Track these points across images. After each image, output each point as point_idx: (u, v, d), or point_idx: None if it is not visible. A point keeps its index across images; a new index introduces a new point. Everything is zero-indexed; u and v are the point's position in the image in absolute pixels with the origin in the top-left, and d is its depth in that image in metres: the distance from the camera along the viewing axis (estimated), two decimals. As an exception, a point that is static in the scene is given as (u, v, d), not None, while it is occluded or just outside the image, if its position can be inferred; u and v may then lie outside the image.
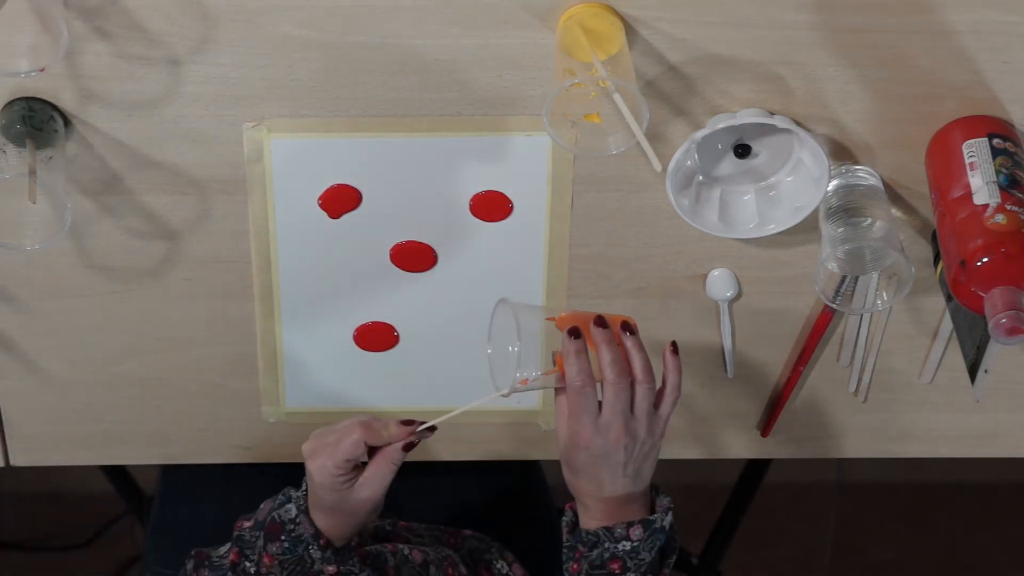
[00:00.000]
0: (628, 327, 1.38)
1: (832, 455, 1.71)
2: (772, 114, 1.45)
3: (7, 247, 1.44)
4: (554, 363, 1.38)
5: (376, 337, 1.61)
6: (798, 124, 1.45)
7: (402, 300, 1.59)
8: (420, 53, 1.42)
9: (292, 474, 1.59)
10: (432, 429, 1.39)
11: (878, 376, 1.65)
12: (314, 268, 1.56)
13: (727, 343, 1.62)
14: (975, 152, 1.41)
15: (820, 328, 1.60)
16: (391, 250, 1.56)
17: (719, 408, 1.67)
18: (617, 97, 1.36)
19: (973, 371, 1.58)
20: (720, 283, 1.57)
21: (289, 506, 1.41)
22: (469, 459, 1.71)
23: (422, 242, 1.55)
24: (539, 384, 1.38)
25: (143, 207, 1.51)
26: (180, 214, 1.52)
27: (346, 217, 1.53)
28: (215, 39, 1.41)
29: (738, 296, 1.59)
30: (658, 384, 1.38)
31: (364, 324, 1.60)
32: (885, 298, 1.51)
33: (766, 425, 1.68)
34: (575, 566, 1.41)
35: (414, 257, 1.56)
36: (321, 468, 1.37)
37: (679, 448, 1.70)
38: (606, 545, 1.39)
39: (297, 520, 1.41)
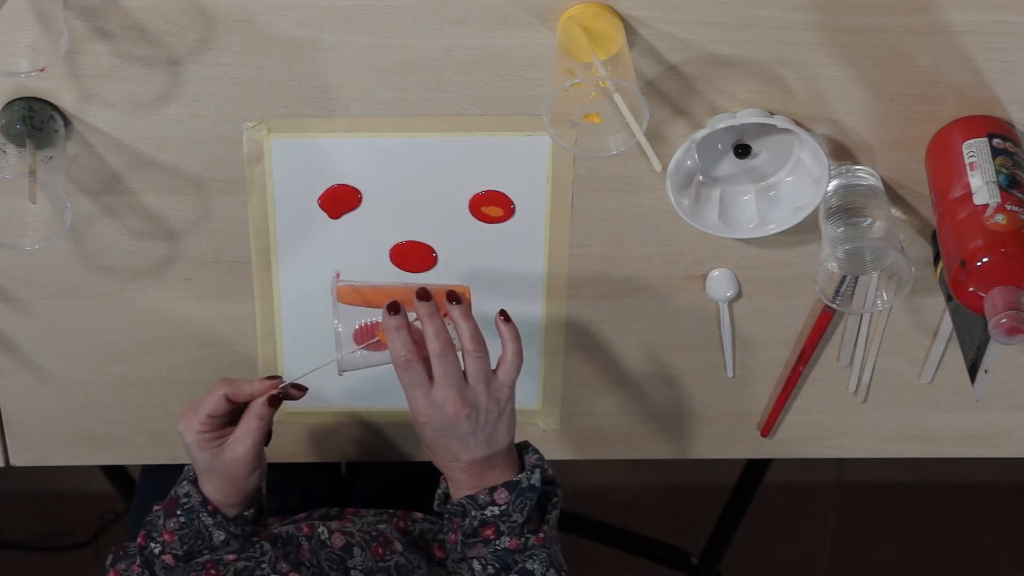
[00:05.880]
0: (454, 296, 1.39)
1: (832, 455, 1.71)
2: (772, 114, 1.45)
3: (7, 247, 1.44)
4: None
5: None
6: (798, 124, 1.45)
7: (402, 300, 1.59)
8: (420, 53, 1.42)
9: (283, 474, 1.60)
10: (299, 388, 1.41)
11: (878, 376, 1.65)
12: (314, 268, 1.56)
13: (727, 343, 1.62)
14: (975, 152, 1.41)
15: (820, 328, 1.60)
16: (391, 250, 1.56)
17: (719, 408, 1.67)
18: (617, 97, 1.36)
19: (973, 371, 1.58)
20: (720, 283, 1.57)
21: (183, 481, 1.44)
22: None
23: (422, 242, 1.55)
24: (367, 360, 1.40)
25: (143, 207, 1.51)
26: (180, 214, 1.52)
27: (346, 217, 1.53)
28: (215, 39, 1.41)
29: (738, 296, 1.59)
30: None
31: (364, 324, 1.60)
32: (885, 298, 1.51)
33: (766, 425, 1.68)
34: (453, 536, 1.43)
35: (414, 257, 1.56)
36: (188, 427, 1.41)
37: (680, 448, 1.70)
38: (473, 513, 1.41)
39: (188, 493, 1.43)
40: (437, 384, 1.37)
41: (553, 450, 1.69)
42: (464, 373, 1.38)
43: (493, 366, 1.40)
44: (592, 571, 2.41)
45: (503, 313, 1.41)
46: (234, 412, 1.42)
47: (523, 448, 1.45)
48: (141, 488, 1.88)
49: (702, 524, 2.39)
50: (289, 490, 1.70)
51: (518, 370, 1.40)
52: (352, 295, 1.43)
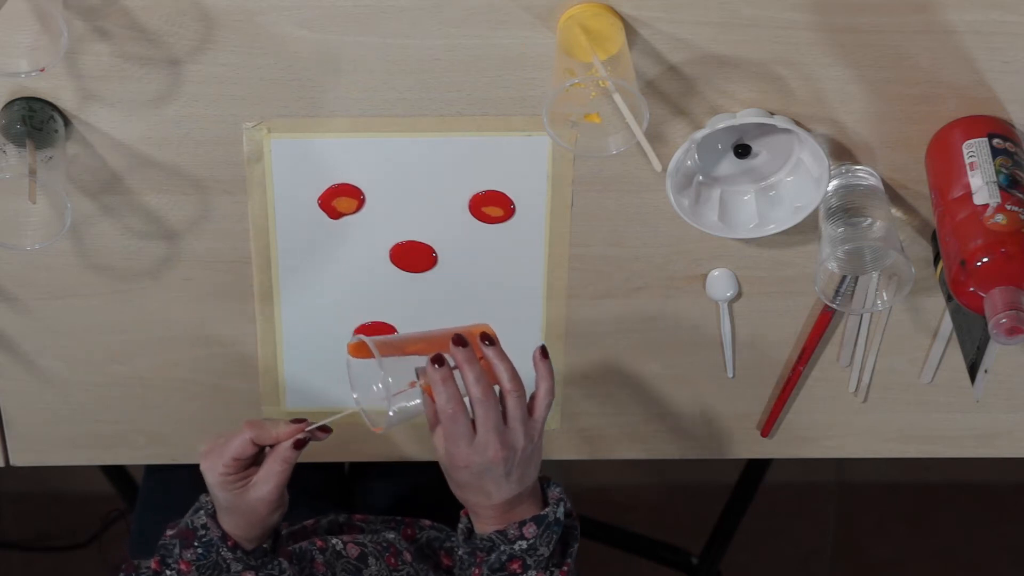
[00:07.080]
0: (487, 338, 1.38)
1: (832, 455, 1.71)
2: (772, 114, 1.45)
3: (7, 247, 1.44)
4: (419, 385, 1.38)
5: (376, 337, 1.61)
6: (798, 124, 1.45)
7: (402, 300, 1.59)
8: (420, 53, 1.42)
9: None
10: (325, 430, 1.39)
11: (878, 376, 1.65)
12: (314, 268, 1.56)
13: (727, 343, 1.62)
14: (975, 152, 1.41)
15: (820, 328, 1.60)
16: (391, 250, 1.56)
17: (719, 408, 1.67)
18: (617, 97, 1.36)
19: (973, 371, 1.58)
20: (720, 283, 1.57)
21: (200, 512, 1.43)
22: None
23: (422, 242, 1.55)
24: (412, 413, 1.38)
25: (143, 207, 1.51)
26: (180, 214, 1.52)
27: (346, 217, 1.53)
28: (215, 39, 1.41)
29: (738, 296, 1.59)
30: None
31: (364, 324, 1.60)
32: (885, 298, 1.51)
33: (766, 425, 1.68)
34: (476, 571, 1.42)
35: (414, 257, 1.56)
36: (211, 468, 1.38)
37: (679, 448, 1.70)
38: (502, 548, 1.40)
39: (206, 525, 1.42)
40: (480, 429, 1.36)
41: (553, 450, 1.69)
42: (504, 414, 1.37)
43: None
44: (592, 571, 2.40)
45: (542, 348, 1.40)
46: (257, 452, 1.41)
47: (544, 482, 1.45)
48: (145, 488, 1.88)
49: (702, 524, 2.39)
50: (292, 489, 1.70)
51: (549, 407, 1.39)
52: (389, 349, 1.40)
